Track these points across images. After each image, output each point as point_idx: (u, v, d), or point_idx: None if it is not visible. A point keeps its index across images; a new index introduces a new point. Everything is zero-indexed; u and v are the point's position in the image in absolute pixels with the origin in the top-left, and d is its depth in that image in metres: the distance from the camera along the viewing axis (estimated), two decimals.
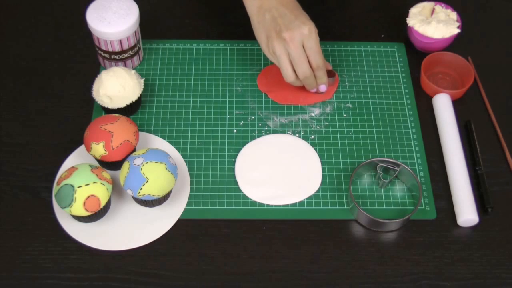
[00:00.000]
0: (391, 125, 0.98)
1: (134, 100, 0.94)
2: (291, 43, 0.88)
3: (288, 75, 0.92)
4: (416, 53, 1.07)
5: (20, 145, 0.94)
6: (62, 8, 1.11)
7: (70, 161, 0.92)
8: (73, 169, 0.84)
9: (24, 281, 0.82)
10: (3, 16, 1.09)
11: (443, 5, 1.06)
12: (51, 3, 1.11)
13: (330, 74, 0.98)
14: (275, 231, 0.87)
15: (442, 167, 0.94)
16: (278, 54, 0.90)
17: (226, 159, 0.93)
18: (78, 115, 0.97)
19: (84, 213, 0.82)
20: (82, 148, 0.93)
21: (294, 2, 0.92)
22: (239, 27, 1.08)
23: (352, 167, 0.93)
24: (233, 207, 0.89)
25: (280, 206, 0.89)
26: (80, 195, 0.81)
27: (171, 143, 0.95)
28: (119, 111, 0.94)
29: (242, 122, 0.97)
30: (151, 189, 0.83)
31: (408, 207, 0.90)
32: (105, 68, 1.02)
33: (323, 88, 0.97)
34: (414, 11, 1.05)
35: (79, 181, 0.82)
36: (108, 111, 0.94)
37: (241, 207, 0.89)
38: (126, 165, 0.84)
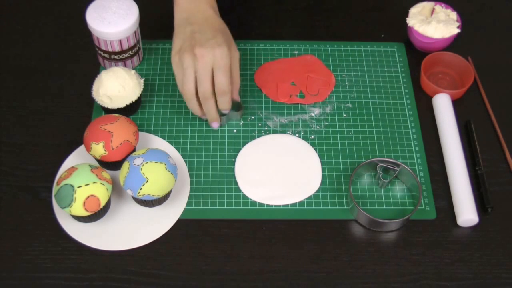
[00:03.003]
0: (391, 125, 0.98)
1: (134, 100, 0.94)
2: (200, 60, 0.86)
3: (187, 88, 0.88)
4: (416, 53, 1.07)
5: (20, 145, 0.94)
6: (62, 8, 1.11)
7: (70, 161, 0.92)
8: (73, 169, 0.84)
9: (24, 281, 0.82)
10: (3, 16, 1.09)
11: (443, 5, 1.06)
12: (51, 3, 1.11)
13: (237, 107, 0.95)
14: (275, 231, 0.87)
15: (442, 167, 0.94)
16: (185, 67, 0.88)
17: (226, 159, 0.93)
18: (78, 115, 0.97)
19: (84, 213, 0.82)
20: (82, 148, 0.93)
21: (220, 24, 0.91)
22: (238, 27, 1.08)
23: (352, 167, 0.93)
24: (233, 207, 0.89)
25: (280, 206, 0.89)
26: (80, 195, 0.81)
27: (171, 143, 0.95)
28: (119, 111, 0.94)
29: (242, 122, 0.97)
30: (151, 189, 0.83)
31: (408, 207, 0.90)
32: (105, 68, 1.02)
33: (214, 125, 0.94)
34: (414, 11, 1.05)
35: (79, 181, 0.82)
36: (108, 111, 0.94)
37: (241, 207, 0.89)
38: (126, 165, 0.85)
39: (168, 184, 0.84)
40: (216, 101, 0.91)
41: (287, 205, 0.89)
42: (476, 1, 1.15)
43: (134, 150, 0.89)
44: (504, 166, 0.94)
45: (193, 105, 0.91)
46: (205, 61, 0.86)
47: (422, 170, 0.93)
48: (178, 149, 0.94)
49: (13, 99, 0.99)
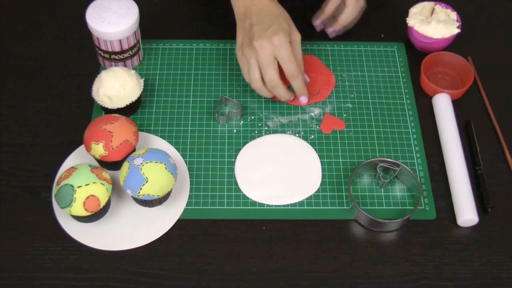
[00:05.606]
0: (391, 125, 0.98)
1: (134, 100, 0.94)
2: (260, 52, 0.89)
3: (253, 79, 0.92)
4: (416, 53, 1.07)
5: (20, 145, 0.94)
6: (62, 8, 1.11)
7: (70, 161, 0.92)
8: (73, 169, 0.84)
9: (24, 281, 0.82)
10: (3, 16, 1.09)
11: (443, 5, 1.06)
12: (51, 3, 1.11)
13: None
14: (275, 231, 0.87)
15: (442, 167, 0.94)
16: (248, 60, 0.90)
17: (226, 159, 0.93)
18: (78, 115, 0.97)
19: (84, 213, 0.82)
20: (82, 148, 0.93)
21: (278, 9, 0.92)
22: None
23: (352, 167, 0.93)
24: (233, 207, 0.89)
25: (280, 206, 0.89)
26: (80, 195, 0.81)
27: (171, 143, 0.95)
28: (119, 111, 0.94)
29: (242, 122, 0.97)
30: (151, 189, 0.83)
31: (408, 207, 0.90)
32: (105, 68, 1.02)
33: (303, 99, 0.96)
34: (414, 11, 1.05)
35: (79, 181, 0.82)
36: (108, 111, 0.94)
37: (241, 207, 0.89)
38: (126, 165, 0.85)
39: (168, 184, 0.84)
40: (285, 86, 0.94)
41: (287, 205, 0.89)
42: (476, 1, 1.15)
43: (134, 150, 0.89)
44: (504, 166, 0.94)
45: (264, 93, 0.94)
46: (265, 52, 0.89)
47: (422, 170, 0.93)
48: (178, 149, 0.94)
49: (13, 99, 0.99)
